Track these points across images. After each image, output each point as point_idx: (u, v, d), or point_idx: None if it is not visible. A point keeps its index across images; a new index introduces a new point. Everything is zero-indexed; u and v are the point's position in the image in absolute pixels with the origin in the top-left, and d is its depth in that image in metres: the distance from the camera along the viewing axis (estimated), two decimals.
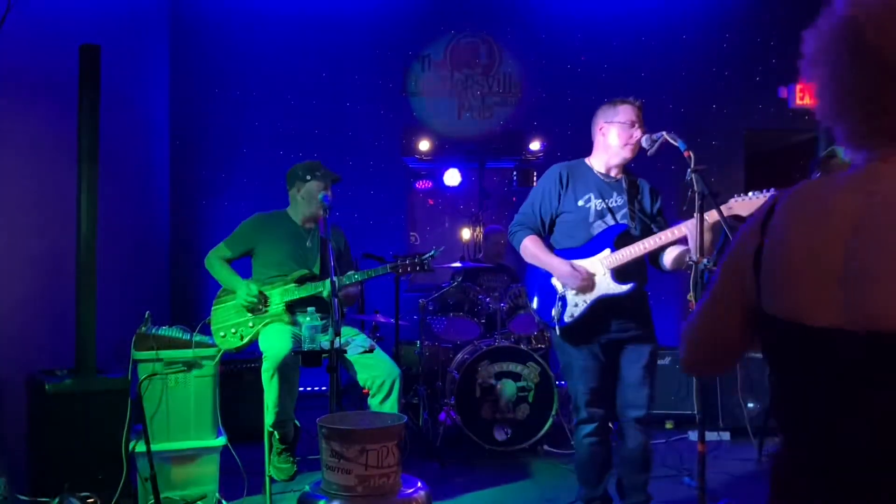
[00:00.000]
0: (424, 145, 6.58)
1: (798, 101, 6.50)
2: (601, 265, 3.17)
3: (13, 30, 2.94)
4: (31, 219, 3.73)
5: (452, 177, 6.74)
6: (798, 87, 6.51)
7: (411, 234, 7.18)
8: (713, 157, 6.49)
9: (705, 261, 2.84)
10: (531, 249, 3.29)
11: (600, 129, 3.29)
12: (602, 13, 6.85)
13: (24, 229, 3.66)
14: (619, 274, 3.16)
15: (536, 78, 6.91)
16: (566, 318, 3.19)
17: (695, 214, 2.85)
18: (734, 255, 1.21)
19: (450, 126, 6.83)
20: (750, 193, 3.02)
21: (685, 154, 2.91)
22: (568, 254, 3.24)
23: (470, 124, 6.90)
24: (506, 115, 6.93)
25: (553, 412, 4.62)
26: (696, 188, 2.84)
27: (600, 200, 3.23)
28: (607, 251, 3.17)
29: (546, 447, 4.68)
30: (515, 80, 6.95)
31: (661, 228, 3.21)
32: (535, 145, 6.64)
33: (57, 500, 3.11)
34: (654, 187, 3.40)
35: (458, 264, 5.25)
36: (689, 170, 2.87)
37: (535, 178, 6.52)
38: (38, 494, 3.19)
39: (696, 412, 2.92)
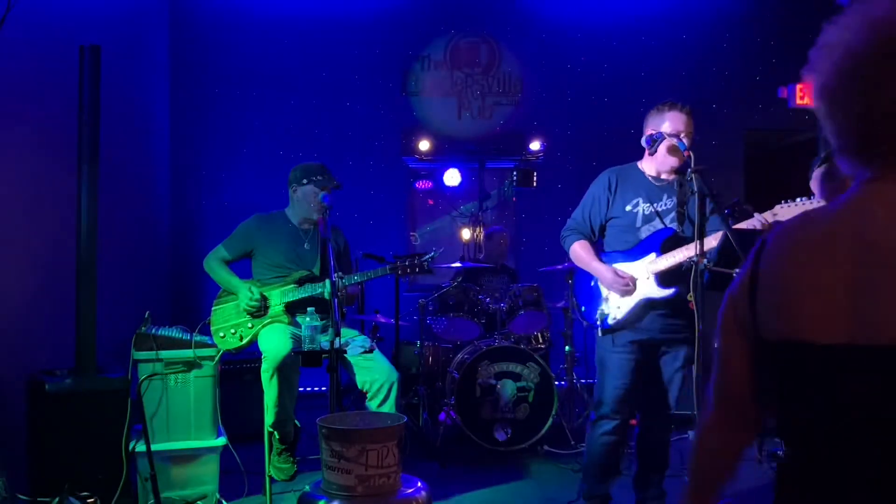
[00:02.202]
0: (424, 145, 6.58)
1: (798, 101, 6.49)
2: (645, 269, 3.20)
3: (13, 30, 2.94)
4: (31, 219, 3.72)
5: (452, 177, 6.74)
6: (798, 87, 6.50)
7: (411, 234, 7.18)
8: (713, 157, 6.48)
9: (705, 261, 2.84)
10: (579, 254, 3.35)
11: (648, 136, 3.28)
12: (602, 13, 6.85)
13: (24, 229, 3.66)
14: (663, 278, 3.17)
15: (536, 78, 6.91)
16: (609, 321, 3.24)
17: (695, 214, 2.85)
18: (732, 291, 1.22)
19: (450, 126, 6.84)
20: (798, 199, 3.02)
21: (685, 154, 2.92)
22: (615, 257, 3.28)
23: (470, 124, 6.90)
24: (506, 115, 6.93)
25: (553, 412, 4.62)
26: (696, 188, 2.84)
27: (648, 205, 3.25)
28: (652, 255, 3.19)
29: (546, 447, 4.68)
30: (515, 80, 6.95)
31: (712, 231, 3.18)
32: (535, 145, 6.64)
33: (57, 500, 3.11)
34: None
35: (458, 264, 5.25)
36: (689, 170, 2.87)
37: (535, 179, 6.52)
38: (38, 494, 3.19)
39: (696, 412, 2.92)
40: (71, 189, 3.50)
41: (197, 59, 6.45)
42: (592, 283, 3.37)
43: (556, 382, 4.75)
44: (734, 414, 1.27)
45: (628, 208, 3.26)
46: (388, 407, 3.45)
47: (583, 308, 3.40)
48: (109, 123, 3.64)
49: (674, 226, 3.21)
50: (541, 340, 5.22)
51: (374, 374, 3.48)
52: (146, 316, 3.57)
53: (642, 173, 3.31)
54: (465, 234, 6.94)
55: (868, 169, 1.09)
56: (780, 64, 6.80)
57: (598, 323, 3.26)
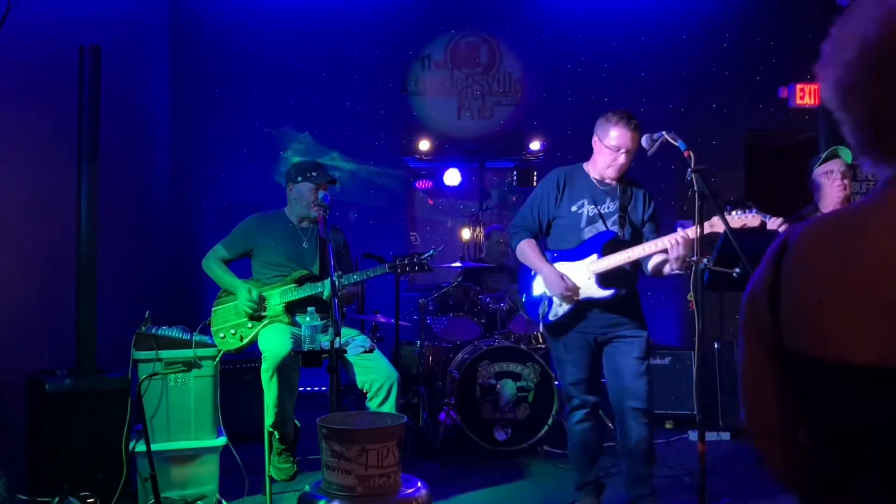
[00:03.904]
0: (424, 145, 6.58)
1: (798, 101, 6.49)
2: (587, 269, 3.30)
3: (13, 30, 2.93)
4: (31, 219, 3.72)
5: (452, 177, 6.74)
6: (798, 87, 6.50)
7: (411, 234, 7.18)
8: (713, 157, 6.49)
9: (705, 260, 2.84)
10: (526, 252, 3.45)
11: (594, 141, 3.40)
12: (602, 13, 6.85)
13: (24, 229, 3.66)
14: (603, 279, 3.28)
15: (536, 78, 6.91)
16: (550, 317, 3.36)
17: (695, 215, 2.85)
18: (751, 299, 1.16)
19: (450, 126, 6.84)
20: (734, 213, 3.04)
21: (685, 154, 2.92)
22: (559, 256, 3.39)
23: (470, 124, 6.91)
24: (506, 115, 6.93)
25: (553, 412, 4.62)
26: (695, 188, 2.84)
27: (593, 206, 3.36)
28: (594, 257, 3.29)
29: (546, 447, 4.68)
30: (515, 80, 6.95)
31: (650, 236, 3.34)
32: (535, 145, 6.65)
33: (57, 500, 3.11)
34: (648, 194, 3.48)
35: (458, 264, 5.25)
36: (689, 170, 2.87)
37: (535, 179, 6.53)
38: (38, 494, 3.19)
39: (696, 412, 2.92)
40: (71, 189, 3.50)
41: (197, 59, 6.45)
42: (535, 280, 3.46)
43: (556, 382, 4.74)
44: (768, 439, 1.22)
45: (574, 209, 3.37)
46: (389, 407, 3.45)
47: (524, 303, 3.52)
48: (109, 123, 3.64)
49: (615, 228, 3.33)
50: (541, 340, 5.21)
51: (374, 373, 3.48)
52: (146, 316, 3.57)
53: (587, 176, 3.43)
54: (465, 233, 6.94)
55: (891, 164, 1.06)
56: (780, 64, 6.80)
57: (540, 319, 3.38)
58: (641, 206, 3.41)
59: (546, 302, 3.36)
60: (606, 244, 3.29)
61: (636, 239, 3.34)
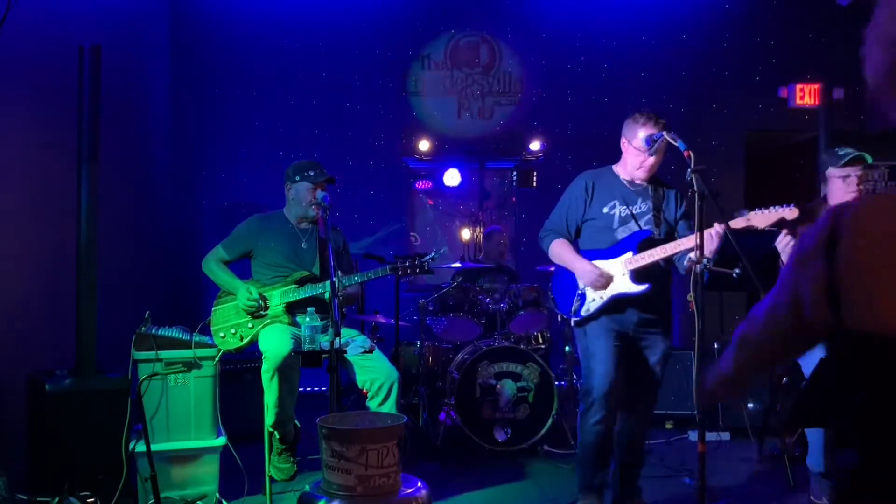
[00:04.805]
0: (424, 145, 6.58)
1: (798, 101, 6.48)
2: (622, 266, 3.31)
3: (13, 30, 2.94)
4: (31, 219, 3.73)
5: (452, 177, 6.74)
6: (798, 87, 6.49)
7: (411, 234, 7.18)
8: (713, 157, 6.49)
9: (705, 260, 2.85)
10: (558, 251, 3.46)
11: (622, 143, 3.40)
12: (602, 13, 6.85)
13: (24, 229, 3.66)
14: (638, 275, 3.29)
15: (536, 78, 6.91)
16: (582, 312, 3.37)
17: (695, 214, 2.86)
18: (794, 277, 1.17)
19: (450, 126, 6.84)
20: (771, 207, 3.05)
21: (685, 154, 2.93)
22: (593, 255, 3.40)
23: (470, 124, 6.91)
24: (506, 115, 6.94)
25: (553, 412, 4.62)
26: (695, 188, 2.84)
27: (625, 207, 3.36)
28: (629, 254, 3.31)
29: (546, 447, 4.68)
30: (515, 80, 6.95)
31: (684, 233, 3.34)
32: (535, 145, 6.65)
33: (57, 500, 3.11)
34: (679, 193, 3.49)
35: (458, 264, 5.25)
36: (689, 170, 2.88)
37: (534, 179, 6.53)
38: (38, 494, 3.19)
39: (696, 412, 2.93)
40: (71, 189, 3.50)
41: (197, 59, 6.45)
42: (569, 278, 3.46)
43: (556, 382, 4.75)
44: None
45: (605, 210, 3.38)
46: (389, 406, 3.45)
47: (557, 300, 3.53)
48: (109, 123, 3.64)
49: (649, 228, 3.34)
50: (541, 340, 5.22)
51: (374, 373, 3.48)
52: (146, 316, 3.57)
53: (617, 177, 3.43)
54: (465, 234, 6.94)
55: None
56: (780, 64, 6.79)
57: (572, 314, 3.40)
58: (674, 204, 3.42)
59: (579, 298, 3.38)
60: (642, 243, 3.30)
61: (670, 238, 3.35)
